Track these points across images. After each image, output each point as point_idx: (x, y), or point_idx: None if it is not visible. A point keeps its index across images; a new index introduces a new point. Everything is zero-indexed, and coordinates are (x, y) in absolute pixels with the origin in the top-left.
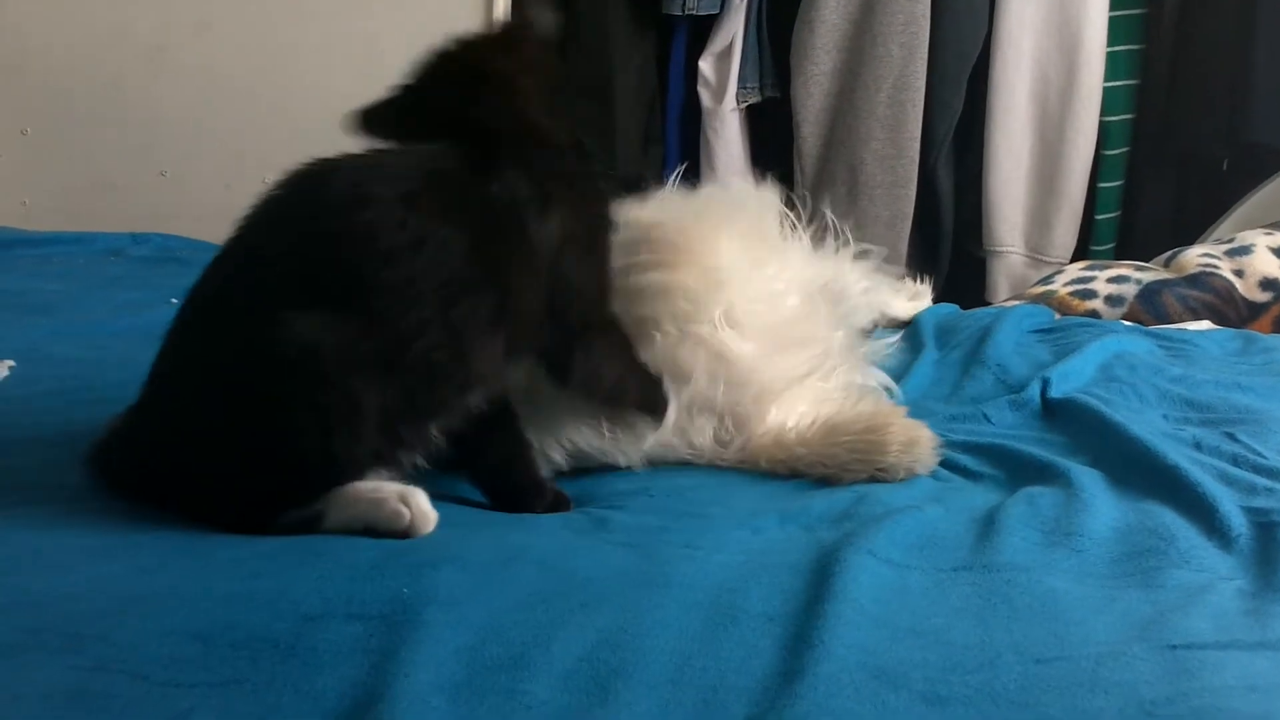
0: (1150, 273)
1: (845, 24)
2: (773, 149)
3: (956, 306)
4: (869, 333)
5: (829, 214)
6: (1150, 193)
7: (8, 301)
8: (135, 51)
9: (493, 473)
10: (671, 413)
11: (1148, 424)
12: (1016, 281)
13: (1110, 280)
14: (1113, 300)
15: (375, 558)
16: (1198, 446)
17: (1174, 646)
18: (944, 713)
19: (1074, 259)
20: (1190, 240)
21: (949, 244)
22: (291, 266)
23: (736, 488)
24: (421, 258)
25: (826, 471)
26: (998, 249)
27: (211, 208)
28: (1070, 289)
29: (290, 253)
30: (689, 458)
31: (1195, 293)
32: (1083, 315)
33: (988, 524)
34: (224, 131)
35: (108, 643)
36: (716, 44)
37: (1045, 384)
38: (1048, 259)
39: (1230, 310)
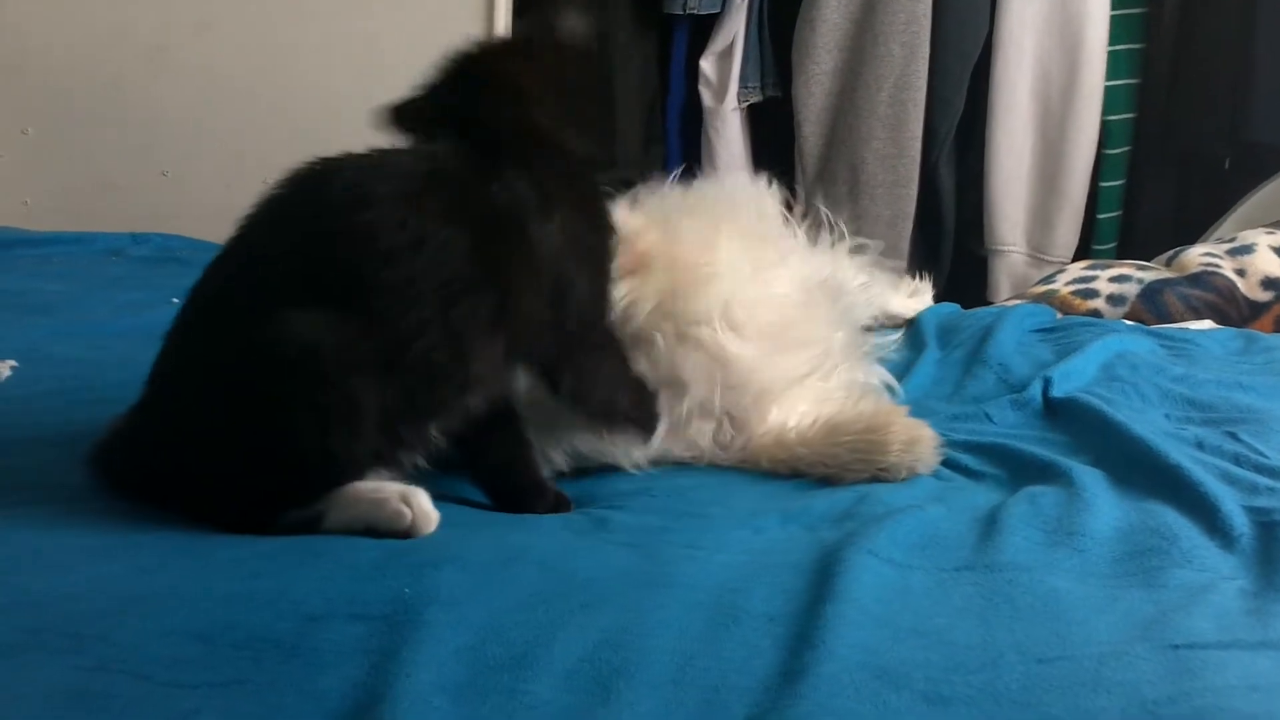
0: (1152, 272)
1: (847, 23)
2: (774, 148)
3: (958, 306)
4: (869, 330)
5: (823, 208)
6: (1152, 192)
7: (8, 301)
8: (136, 52)
9: (494, 473)
10: (667, 421)
11: (1150, 423)
12: (1018, 281)
13: (1112, 279)
14: (1114, 299)
15: (377, 558)
16: (1200, 446)
17: (1176, 646)
18: (946, 713)
19: (1076, 258)
20: (1192, 239)
21: (950, 243)
22: (293, 266)
23: (738, 488)
24: (421, 258)
25: (828, 471)
26: (999, 248)
27: (212, 207)
28: (1072, 288)
29: (291, 252)
30: (689, 459)
31: (1197, 292)
32: (1084, 314)
33: (990, 523)
34: (225, 131)
35: (109, 643)
36: (718, 43)
37: (1047, 383)
38: (1049, 258)
39: (1232, 309)
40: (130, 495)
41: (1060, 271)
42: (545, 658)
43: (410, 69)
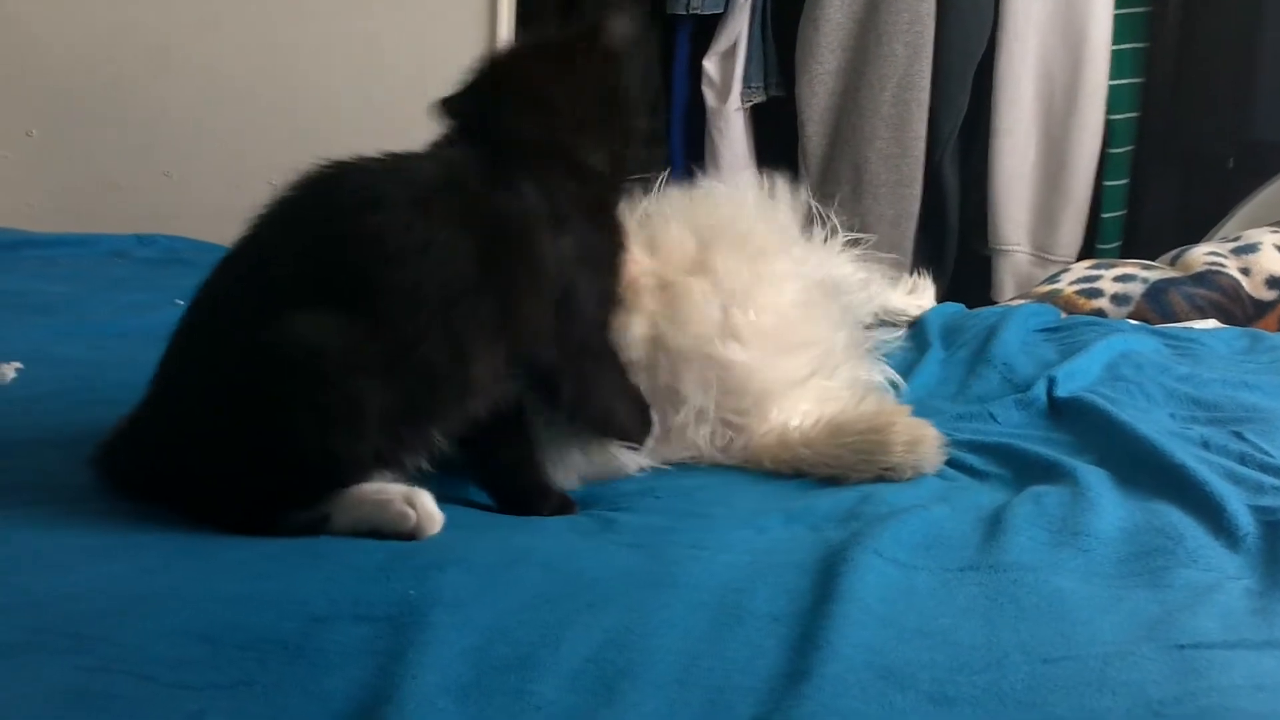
0: (1156, 271)
1: (850, 23)
2: (777, 148)
3: (962, 305)
4: (870, 327)
5: (821, 206)
6: (1156, 191)
7: (13, 302)
8: (139, 53)
9: (499, 475)
10: (659, 428)
11: (1154, 423)
12: (1022, 280)
13: (1116, 279)
14: (1119, 299)
15: (382, 560)
16: (1205, 445)
17: (1181, 646)
18: (951, 713)
19: (1080, 257)
20: (1196, 238)
21: (954, 243)
22: (301, 268)
23: (742, 488)
24: (426, 263)
25: (831, 472)
26: (1003, 247)
27: (215, 208)
28: (1076, 288)
29: (300, 254)
30: (691, 460)
31: (1202, 291)
32: (1089, 314)
33: (994, 523)
34: (227, 132)
35: (112, 643)
36: (721, 43)
37: (1051, 383)
38: (1053, 257)
39: (1237, 308)
40: (134, 495)
41: (1064, 271)
42: (550, 658)
43: (412, 70)
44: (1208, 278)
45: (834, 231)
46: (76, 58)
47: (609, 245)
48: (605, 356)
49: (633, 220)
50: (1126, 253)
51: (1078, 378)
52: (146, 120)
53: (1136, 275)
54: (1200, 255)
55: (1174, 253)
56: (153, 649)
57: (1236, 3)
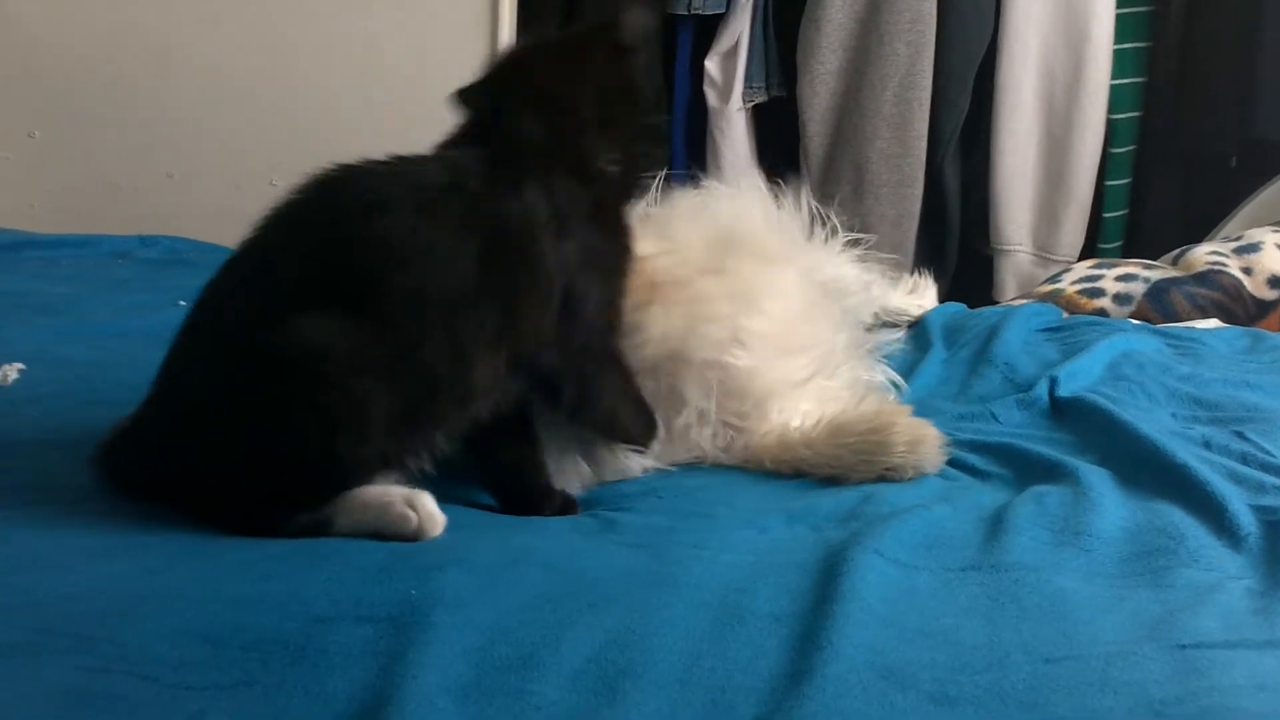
0: (1158, 271)
1: (851, 23)
2: (779, 148)
3: (964, 305)
4: (872, 327)
5: (822, 206)
6: (1158, 190)
7: (16, 303)
8: (141, 54)
9: (502, 476)
10: (663, 433)
11: (1156, 423)
12: (1024, 280)
13: (1118, 278)
14: (1121, 298)
15: (383, 560)
16: (1206, 445)
17: (1183, 646)
18: (952, 713)
19: (1081, 257)
20: (1198, 238)
21: (956, 243)
22: (306, 270)
23: (743, 487)
24: (428, 267)
25: (832, 472)
26: (1005, 247)
27: (217, 209)
28: (1078, 287)
29: (305, 256)
30: (693, 460)
31: (1204, 291)
32: (1091, 314)
33: (996, 523)
34: (230, 133)
35: (115, 644)
36: (722, 43)
37: (1053, 383)
38: (1055, 257)
39: (1239, 308)
40: (135, 494)
41: (1066, 270)
42: (552, 658)
43: (413, 70)
44: (1210, 277)
45: (834, 232)
46: (79, 59)
47: (615, 248)
48: (609, 359)
49: (643, 218)
50: (1128, 252)
51: (1079, 377)
52: (148, 121)
53: (1138, 275)
54: (1202, 255)
55: (1176, 252)
56: (155, 649)
57: (1238, 2)
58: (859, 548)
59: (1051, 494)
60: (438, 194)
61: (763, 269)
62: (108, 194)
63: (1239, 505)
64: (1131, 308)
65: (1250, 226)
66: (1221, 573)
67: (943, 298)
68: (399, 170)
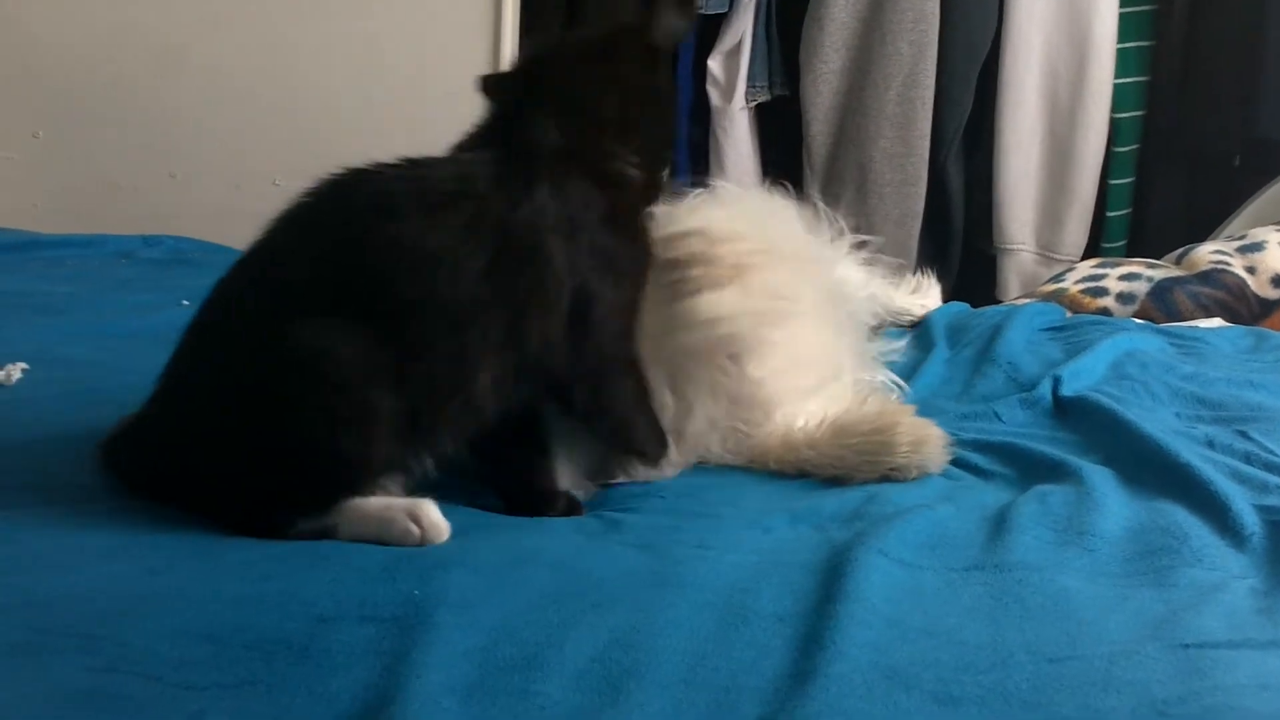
0: (1162, 270)
1: (854, 22)
2: (782, 148)
3: (967, 305)
4: (877, 330)
5: (820, 203)
6: (1161, 189)
7: (19, 303)
8: (144, 54)
9: (508, 478)
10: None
11: (1160, 422)
12: (1027, 279)
13: (1121, 278)
14: (1124, 298)
15: (386, 560)
16: (1210, 444)
17: (1187, 645)
18: (956, 713)
19: (1085, 256)
20: (1201, 237)
21: (959, 242)
22: (315, 272)
23: (748, 487)
24: (435, 272)
25: (836, 473)
26: (1008, 246)
27: (220, 209)
28: (1081, 286)
29: (314, 258)
30: (699, 460)
31: (1207, 290)
32: (1094, 313)
33: (999, 523)
34: (232, 134)
35: (120, 644)
36: (725, 42)
37: (1056, 382)
38: (1058, 256)
39: (1242, 307)
40: (137, 491)
41: (1069, 270)
42: (556, 658)
43: (416, 71)
44: (1213, 276)
45: (841, 233)
46: (82, 60)
47: (632, 252)
48: (625, 366)
49: (730, 209)
50: (1132, 251)
51: (1083, 377)
52: (151, 121)
53: (1142, 274)
54: (1205, 254)
55: (1179, 251)
56: (157, 649)
57: (1241, 1)
58: (863, 548)
59: (1055, 494)
60: (446, 198)
61: (798, 281)
62: (111, 194)
63: (1242, 505)
64: (1135, 307)
65: (1254, 225)
66: (1225, 572)
67: (946, 297)
68: (408, 174)
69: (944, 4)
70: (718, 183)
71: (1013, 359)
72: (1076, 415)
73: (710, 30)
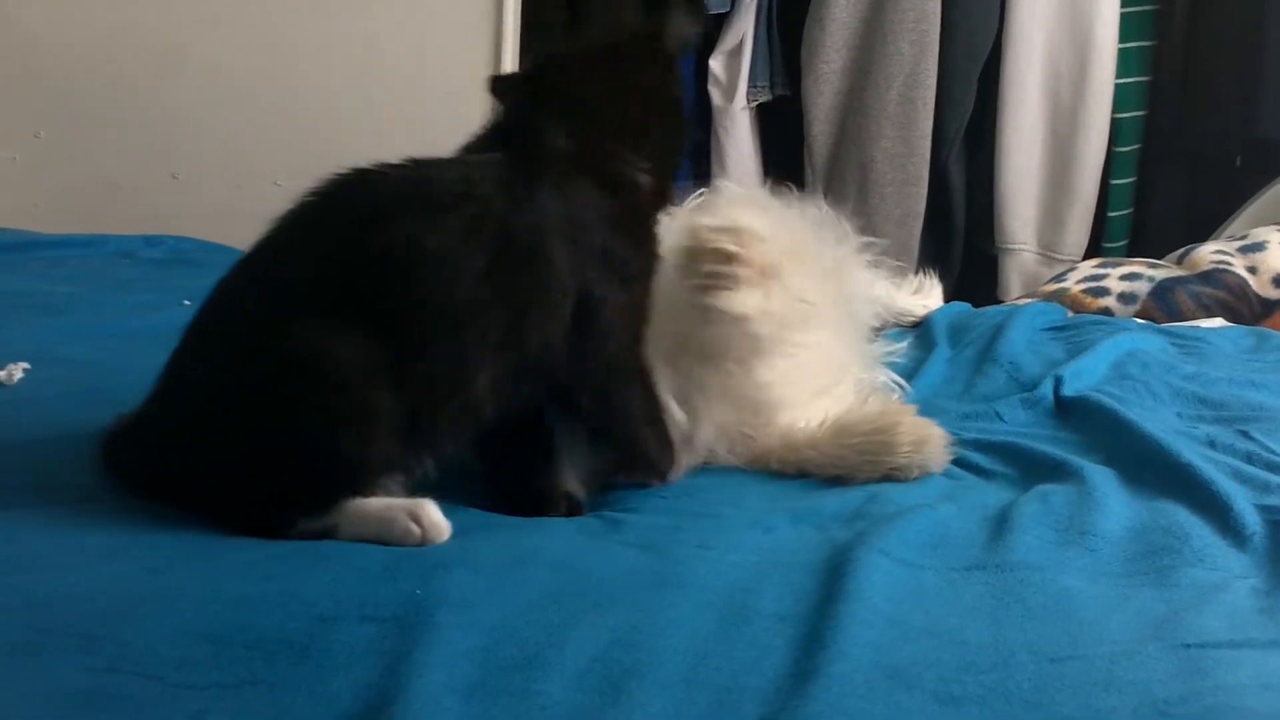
0: (1163, 270)
1: (856, 22)
2: (783, 147)
3: (968, 304)
4: (879, 330)
5: (825, 205)
6: (1162, 189)
7: (21, 303)
8: (146, 54)
9: (510, 478)
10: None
11: (1161, 422)
12: (1029, 279)
13: (1123, 277)
14: (1125, 298)
15: (387, 560)
16: (1211, 444)
17: (1188, 645)
18: (958, 712)
19: (1086, 256)
20: (1203, 237)
21: (960, 242)
22: (317, 273)
23: (749, 487)
24: (435, 274)
25: (837, 473)
26: (1010, 246)
27: (221, 209)
28: (1083, 286)
29: (316, 259)
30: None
31: (1208, 290)
32: (1095, 313)
33: (1001, 523)
34: (234, 134)
35: (121, 643)
36: (727, 42)
37: (1058, 382)
38: (1060, 256)
39: (1244, 307)
40: (135, 489)
41: (1071, 270)
42: (557, 658)
43: (417, 71)
44: (1214, 276)
45: (845, 235)
46: (83, 60)
47: (642, 258)
48: (633, 374)
49: (760, 210)
50: (1133, 251)
51: (1084, 376)
52: (152, 121)
53: (1143, 274)
54: (1207, 254)
55: (1181, 251)
56: (159, 649)
57: (1243, 1)
58: (864, 547)
59: (1056, 493)
60: (448, 199)
61: (822, 288)
62: (112, 194)
63: (1244, 505)
64: (1136, 307)
65: (1255, 225)
66: (1226, 572)
67: (947, 297)
68: (413, 174)
69: (945, 3)
70: (720, 182)
71: (1014, 359)
72: (1078, 415)
73: (712, 30)
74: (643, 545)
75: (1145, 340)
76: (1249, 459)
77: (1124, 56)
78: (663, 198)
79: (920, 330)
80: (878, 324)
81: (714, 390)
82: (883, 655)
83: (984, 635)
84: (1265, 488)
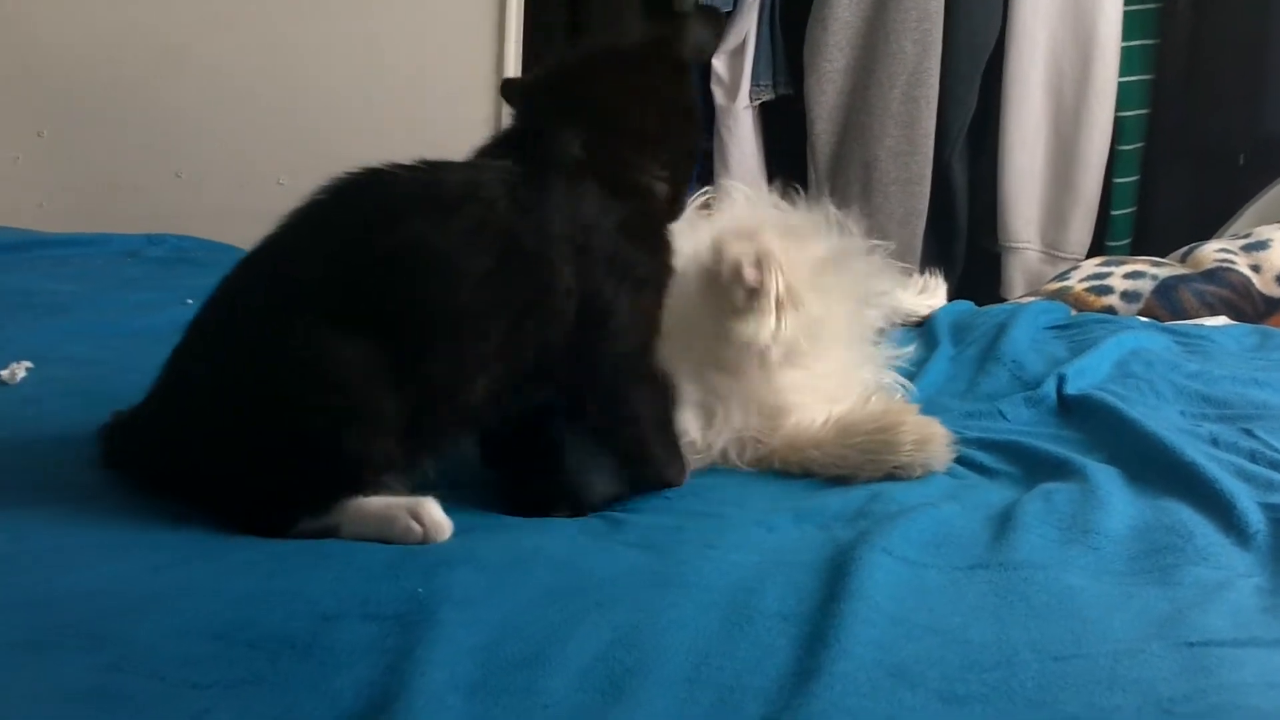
0: (1166, 268)
1: (858, 20)
2: (786, 146)
3: (972, 303)
4: (885, 331)
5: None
6: (1166, 188)
7: (24, 302)
8: (150, 54)
9: (513, 477)
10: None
11: (1164, 420)
12: (1032, 277)
13: (1126, 276)
14: (1129, 296)
15: (390, 558)
16: (1215, 443)
17: (1192, 644)
18: (961, 711)
19: (1090, 255)
20: (1206, 235)
21: (964, 240)
22: (324, 271)
23: (752, 487)
24: (438, 275)
25: (840, 472)
26: (1013, 245)
27: (224, 208)
28: (1086, 285)
29: (321, 258)
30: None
31: (1212, 288)
32: (1099, 311)
33: (1004, 521)
34: (237, 133)
35: (124, 642)
36: (729, 41)
37: (1061, 380)
38: (1063, 255)
39: (1247, 305)
40: (136, 482)
41: (1074, 268)
42: (559, 656)
43: (420, 71)
44: (1218, 274)
45: (850, 235)
46: (87, 59)
47: (654, 265)
48: (643, 380)
49: (777, 229)
50: (1136, 250)
51: (1087, 375)
52: (155, 121)
53: (1146, 272)
54: (1210, 252)
55: (1184, 250)
56: (163, 647)
57: None
58: (867, 546)
59: (1059, 492)
60: (455, 201)
61: (835, 294)
62: (115, 193)
63: (1247, 503)
64: (1139, 305)
65: (1259, 224)
66: (1230, 570)
67: (950, 295)
68: (422, 176)
69: (948, 2)
70: (728, 183)
71: (1017, 357)
72: (1081, 413)
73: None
74: (645, 545)
75: (1148, 338)
76: (1252, 457)
77: (1127, 54)
78: (676, 204)
79: (923, 329)
80: (884, 325)
81: (734, 399)
82: (886, 654)
83: (987, 634)
84: (1269, 486)
